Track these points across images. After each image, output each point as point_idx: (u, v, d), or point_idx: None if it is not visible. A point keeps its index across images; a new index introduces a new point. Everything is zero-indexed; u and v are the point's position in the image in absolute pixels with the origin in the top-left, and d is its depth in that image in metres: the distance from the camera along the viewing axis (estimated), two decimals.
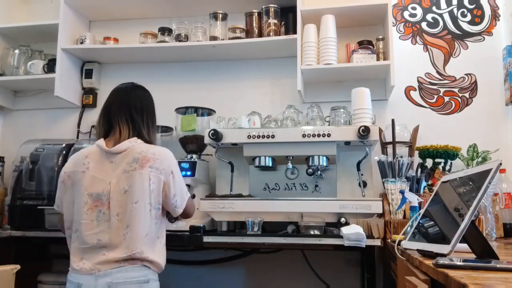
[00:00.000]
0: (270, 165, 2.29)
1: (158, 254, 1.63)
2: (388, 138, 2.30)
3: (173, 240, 2.21)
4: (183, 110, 2.53)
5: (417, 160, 2.37)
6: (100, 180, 1.62)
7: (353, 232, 1.84)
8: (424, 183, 2.15)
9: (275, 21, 2.62)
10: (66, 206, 1.68)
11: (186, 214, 1.77)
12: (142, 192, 1.59)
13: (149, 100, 1.83)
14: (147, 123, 1.75)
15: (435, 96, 2.61)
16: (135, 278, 1.56)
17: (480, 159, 2.33)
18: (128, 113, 1.71)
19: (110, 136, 1.71)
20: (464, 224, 0.85)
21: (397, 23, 2.70)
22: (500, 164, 0.91)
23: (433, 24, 2.67)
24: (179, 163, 2.36)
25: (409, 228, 1.47)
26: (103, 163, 1.65)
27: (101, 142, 1.68)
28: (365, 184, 2.28)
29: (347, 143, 2.24)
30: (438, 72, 2.63)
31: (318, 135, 2.17)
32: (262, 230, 2.10)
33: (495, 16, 2.63)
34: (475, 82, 2.58)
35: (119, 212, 1.58)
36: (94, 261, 1.56)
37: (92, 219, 1.59)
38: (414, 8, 2.70)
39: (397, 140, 2.25)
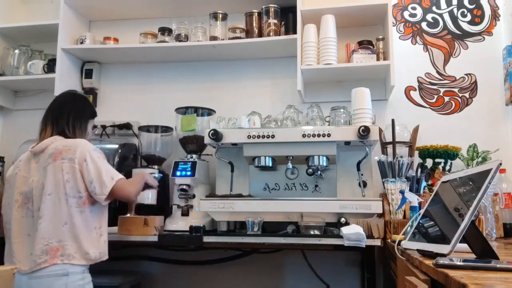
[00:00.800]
0: (270, 165, 2.29)
1: (88, 244, 1.68)
2: (388, 138, 2.30)
3: (173, 240, 2.22)
4: (183, 110, 2.53)
5: (417, 160, 2.37)
6: (27, 178, 1.74)
7: (353, 232, 1.84)
8: (424, 183, 2.15)
9: (275, 21, 2.62)
10: (4, 207, 1.81)
11: (120, 197, 1.82)
12: (55, 183, 1.67)
13: (78, 104, 1.93)
14: (73, 123, 1.85)
15: (435, 96, 2.61)
16: (53, 271, 1.61)
17: (480, 159, 2.33)
18: (54, 116, 1.85)
19: (40, 137, 1.85)
20: (464, 224, 0.85)
21: (397, 23, 2.70)
22: (500, 164, 0.91)
23: (433, 24, 2.67)
24: (179, 163, 2.37)
25: (409, 228, 1.47)
26: (30, 163, 1.78)
27: (31, 145, 1.83)
28: (365, 184, 2.28)
29: (347, 143, 2.24)
30: (438, 72, 2.63)
31: (318, 135, 2.17)
32: (262, 230, 2.10)
33: (495, 16, 2.63)
34: (475, 82, 2.58)
35: (39, 206, 1.67)
36: (25, 256, 1.65)
37: (22, 216, 1.71)
38: (414, 8, 2.70)
39: (397, 140, 2.25)
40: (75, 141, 1.78)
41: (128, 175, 2.43)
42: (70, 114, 1.86)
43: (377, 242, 1.89)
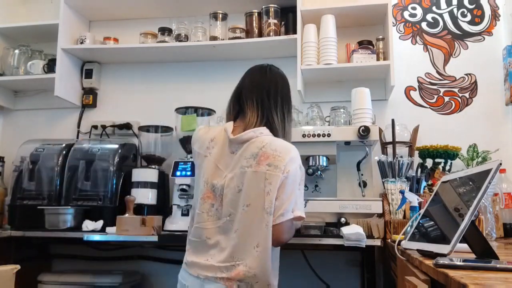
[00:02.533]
0: None
1: (273, 276, 1.37)
2: (388, 138, 2.30)
3: (173, 240, 2.21)
4: (183, 110, 2.53)
5: (417, 160, 2.37)
6: (218, 170, 1.44)
7: (353, 232, 1.84)
8: (424, 183, 2.15)
9: (275, 21, 2.62)
10: (196, 182, 1.53)
11: (276, 234, 1.36)
12: (256, 195, 1.36)
13: (286, 84, 1.58)
14: (281, 111, 1.50)
15: (435, 96, 2.61)
16: None
17: (480, 159, 2.33)
18: (259, 96, 1.48)
19: (239, 120, 1.51)
20: (464, 224, 0.85)
21: (397, 23, 2.70)
22: (500, 164, 0.91)
23: (433, 24, 2.67)
24: (179, 163, 2.37)
25: (409, 228, 1.47)
26: (224, 151, 1.45)
27: (229, 125, 1.48)
28: (365, 184, 2.28)
29: (347, 143, 2.24)
30: (438, 72, 2.63)
31: (318, 135, 2.17)
32: None
33: (495, 16, 2.63)
34: (475, 82, 2.58)
35: (231, 213, 1.38)
36: (196, 260, 1.41)
37: (203, 211, 1.43)
38: (414, 8, 2.70)
39: (397, 140, 2.25)
40: (286, 146, 1.43)
41: (128, 174, 2.43)
42: (278, 95, 1.50)
43: (377, 242, 1.89)
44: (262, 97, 1.48)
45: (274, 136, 1.45)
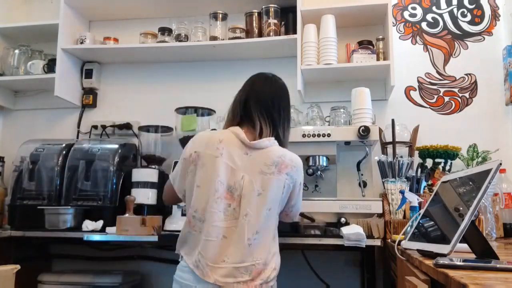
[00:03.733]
0: None
1: (273, 269, 1.50)
2: (388, 138, 2.30)
3: (173, 240, 2.21)
4: (183, 110, 2.53)
5: (417, 160, 2.37)
6: (233, 171, 1.49)
7: (353, 232, 1.84)
8: (424, 183, 2.15)
9: (275, 21, 2.62)
10: (188, 188, 1.54)
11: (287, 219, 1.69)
12: (275, 199, 1.50)
13: (288, 95, 1.68)
14: (283, 123, 1.61)
15: (435, 96, 2.61)
16: None
17: (480, 159, 2.33)
18: (268, 108, 1.58)
19: (245, 127, 1.57)
20: (464, 224, 0.85)
21: (397, 23, 2.70)
22: (500, 164, 0.91)
23: (433, 24, 2.67)
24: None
25: (409, 228, 1.47)
26: (237, 153, 1.51)
27: (238, 130, 1.54)
28: (365, 184, 2.28)
29: (347, 143, 2.24)
30: (438, 72, 2.63)
31: (318, 135, 2.17)
32: None
33: (495, 16, 2.63)
34: (475, 82, 2.58)
35: (248, 213, 1.45)
36: (211, 263, 1.42)
37: (220, 210, 1.46)
38: (414, 8, 2.70)
39: (397, 140, 2.25)
40: (298, 159, 1.58)
41: (128, 174, 2.43)
42: (283, 112, 1.61)
43: (377, 242, 1.89)
44: (271, 110, 1.58)
45: (281, 147, 1.58)
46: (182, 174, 1.56)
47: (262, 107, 1.57)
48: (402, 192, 1.88)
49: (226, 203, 1.46)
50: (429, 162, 2.37)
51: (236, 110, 1.61)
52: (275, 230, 1.55)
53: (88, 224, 2.22)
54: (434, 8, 2.68)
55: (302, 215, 2.04)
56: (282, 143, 1.59)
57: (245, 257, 1.42)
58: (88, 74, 2.93)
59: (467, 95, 2.58)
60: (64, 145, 2.54)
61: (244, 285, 1.40)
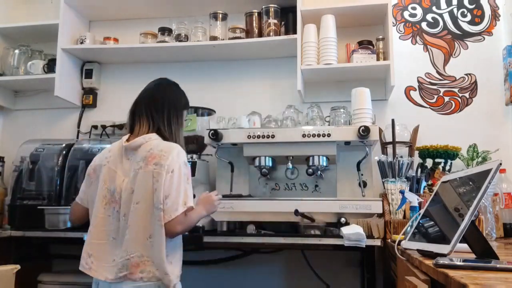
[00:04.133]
0: (270, 165, 2.29)
1: (167, 264, 1.50)
2: (388, 138, 2.30)
3: None
4: None
5: (417, 160, 2.37)
6: (117, 175, 1.59)
7: (353, 232, 1.84)
8: (424, 183, 2.15)
9: (275, 21, 2.62)
10: (90, 201, 1.66)
11: (171, 228, 1.51)
12: (144, 192, 1.52)
13: (175, 96, 1.77)
14: (168, 119, 1.67)
15: (435, 96, 2.61)
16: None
17: (480, 159, 2.33)
18: (149, 108, 1.67)
19: (135, 132, 1.68)
20: (464, 224, 0.85)
21: (397, 23, 2.70)
22: (500, 164, 0.91)
23: (433, 24, 2.67)
24: None
25: (409, 228, 1.47)
26: (121, 158, 1.62)
27: (125, 136, 1.67)
28: (365, 184, 2.28)
29: (347, 143, 2.24)
30: (438, 72, 2.63)
31: (318, 135, 2.17)
32: (262, 230, 2.10)
33: (495, 16, 2.63)
34: (475, 82, 2.58)
35: (125, 212, 1.54)
36: (101, 263, 1.54)
37: (108, 214, 1.58)
38: (414, 8, 2.70)
39: (397, 140, 2.25)
40: (171, 146, 1.59)
41: None
42: (164, 107, 1.68)
43: (377, 242, 1.89)
44: (151, 110, 1.67)
45: (159, 139, 1.62)
46: (84, 190, 1.71)
47: (142, 106, 1.68)
48: (402, 192, 1.88)
49: (112, 208, 1.57)
50: (429, 162, 2.37)
51: (128, 118, 1.72)
52: (153, 231, 1.49)
53: None
54: (434, 8, 2.68)
55: (302, 215, 2.04)
56: (167, 138, 1.64)
57: (123, 252, 1.51)
58: (88, 74, 2.93)
59: (467, 95, 2.58)
60: (64, 145, 2.53)
61: (123, 279, 1.49)
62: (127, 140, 1.64)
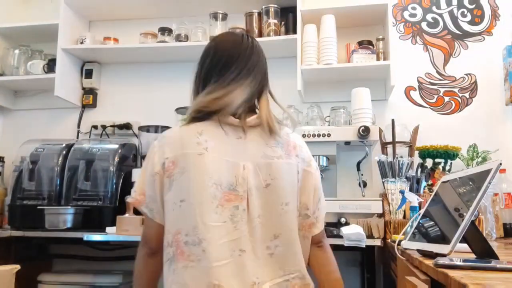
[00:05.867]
0: None
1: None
2: (388, 138, 2.30)
3: None
4: (183, 110, 2.53)
5: (417, 160, 2.37)
6: (230, 163, 1.12)
7: (353, 232, 1.84)
8: (424, 183, 2.15)
9: (275, 21, 2.62)
10: (169, 210, 1.12)
11: (317, 243, 1.22)
12: (291, 190, 1.15)
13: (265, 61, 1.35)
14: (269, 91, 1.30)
15: (435, 96, 2.61)
16: None
17: (480, 159, 2.33)
18: (255, 78, 1.26)
19: (239, 106, 1.19)
20: (464, 224, 0.85)
21: (397, 23, 2.70)
22: (500, 164, 0.91)
23: (433, 24, 2.67)
24: None
25: (409, 228, 1.47)
26: (227, 140, 1.15)
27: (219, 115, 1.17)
28: (365, 184, 2.28)
29: (347, 143, 2.24)
30: (438, 72, 2.63)
31: (318, 135, 2.17)
32: None
33: (495, 16, 2.63)
34: (475, 82, 2.58)
35: (260, 214, 1.11)
36: (242, 284, 1.05)
37: (224, 220, 1.08)
38: (414, 8, 2.70)
39: (397, 140, 2.25)
40: (300, 138, 1.27)
41: (128, 174, 2.43)
42: (266, 80, 1.30)
43: (377, 242, 1.89)
44: (258, 82, 1.27)
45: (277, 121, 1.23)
46: (153, 197, 1.16)
47: (247, 72, 1.25)
48: (402, 192, 1.88)
49: (232, 206, 1.09)
50: (429, 162, 2.37)
51: (222, 89, 1.22)
52: (300, 243, 1.15)
53: None
54: (434, 8, 2.68)
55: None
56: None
57: (278, 271, 1.09)
58: (88, 74, 2.93)
59: (467, 95, 2.58)
60: (64, 145, 2.54)
61: None
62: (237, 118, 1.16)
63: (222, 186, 1.10)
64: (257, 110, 1.22)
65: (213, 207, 1.08)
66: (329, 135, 2.16)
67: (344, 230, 1.87)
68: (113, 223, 2.12)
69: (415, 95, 2.63)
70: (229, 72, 1.20)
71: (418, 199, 1.76)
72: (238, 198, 1.10)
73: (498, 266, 0.77)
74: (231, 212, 1.09)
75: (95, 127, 2.88)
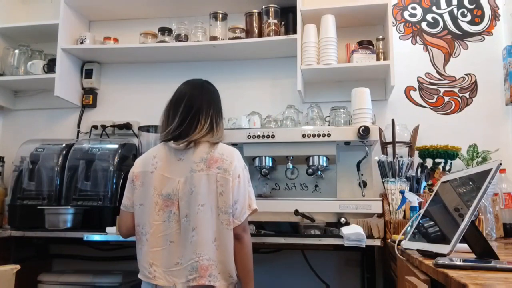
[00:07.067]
0: (270, 165, 2.29)
1: (232, 266, 1.52)
2: (388, 138, 2.30)
3: None
4: None
5: (417, 160, 2.37)
6: (169, 179, 1.56)
7: (353, 232, 1.84)
8: (424, 183, 2.15)
9: (275, 21, 2.62)
10: (136, 208, 1.61)
11: (240, 232, 1.54)
12: (209, 194, 1.51)
13: (217, 95, 1.74)
14: (216, 120, 1.65)
15: (435, 96, 2.61)
16: None
17: (480, 159, 2.33)
18: (201, 109, 1.62)
19: (182, 133, 1.62)
20: (464, 224, 0.85)
21: (397, 23, 2.70)
22: (500, 164, 0.91)
23: (433, 24, 2.67)
24: None
25: (409, 228, 1.47)
26: (170, 161, 1.59)
27: (165, 140, 1.63)
28: (365, 184, 2.28)
29: (347, 143, 2.24)
30: (438, 72, 2.63)
31: (318, 135, 2.17)
32: (262, 230, 2.09)
33: (495, 16, 2.63)
34: (475, 82, 2.58)
35: (187, 214, 1.51)
36: (165, 269, 1.51)
37: (164, 220, 1.54)
38: (414, 8, 2.70)
39: (397, 140, 2.25)
40: (230, 149, 1.60)
41: (128, 175, 2.43)
42: (215, 109, 1.66)
43: (377, 242, 1.89)
44: (205, 112, 1.63)
45: (213, 141, 1.60)
46: (129, 196, 1.65)
47: (194, 106, 1.63)
48: (402, 192, 1.88)
49: (168, 210, 1.54)
50: (429, 162, 2.37)
51: (176, 120, 1.67)
52: (219, 235, 1.50)
53: None
54: (434, 8, 2.68)
55: (302, 215, 2.04)
56: (217, 135, 1.62)
57: (190, 254, 1.48)
58: (88, 74, 2.93)
59: (467, 95, 2.58)
60: (64, 145, 2.54)
61: (194, 282, 1.46)
62: (175, 142, 1.58)
63: (163, 196, 1.55)
64: (193, 136, 1.58)
65: (156, 211, 1.55)
66: (329, 135, 2.16)
67: (344, 230, 1.87)
68: (113, 223, 2.11)
69: (415, 95, 2.63)
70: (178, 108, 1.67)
71: (418, 199, 1.75)
72: (172, 204, 1.54)
73: (498, 266, 0.77)
74: (167, 214, 1.54)
75: (95, 127, 2.88)
